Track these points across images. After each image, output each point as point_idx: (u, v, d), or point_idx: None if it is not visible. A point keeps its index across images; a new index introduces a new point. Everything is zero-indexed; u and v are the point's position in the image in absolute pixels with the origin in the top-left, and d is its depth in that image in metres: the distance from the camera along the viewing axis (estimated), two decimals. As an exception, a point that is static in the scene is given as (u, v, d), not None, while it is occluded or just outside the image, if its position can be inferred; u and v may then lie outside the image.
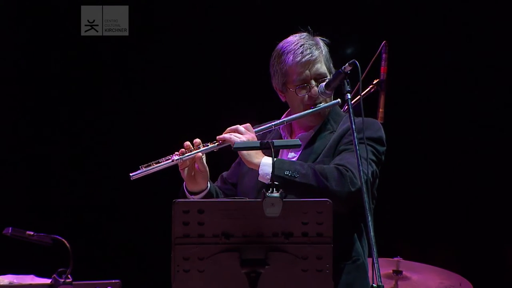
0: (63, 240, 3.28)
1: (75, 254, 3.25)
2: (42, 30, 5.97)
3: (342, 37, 3.99)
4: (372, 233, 3.19)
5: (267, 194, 2.92)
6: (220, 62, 6.07)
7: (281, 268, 3.01)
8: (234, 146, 3.34)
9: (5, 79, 6.04)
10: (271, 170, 3.48)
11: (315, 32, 3.88)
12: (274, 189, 2.93)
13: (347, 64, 3.57)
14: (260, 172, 3.60)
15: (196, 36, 6.10)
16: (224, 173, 4.03)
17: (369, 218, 3.22)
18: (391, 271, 4.97)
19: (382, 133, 3.77)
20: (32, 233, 3.40)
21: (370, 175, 3.62)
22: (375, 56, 4.61)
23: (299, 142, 3.25)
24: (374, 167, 3.68)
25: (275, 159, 3.56)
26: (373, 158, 3.69)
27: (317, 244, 2.99)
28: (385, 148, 3.76)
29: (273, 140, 3.15)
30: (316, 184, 3.52)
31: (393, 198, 5.46)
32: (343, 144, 3.70)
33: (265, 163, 3.60)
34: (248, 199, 3.13)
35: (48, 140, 6.19)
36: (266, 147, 3.16)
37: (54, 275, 3.23)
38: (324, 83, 3.75)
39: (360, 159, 3.39)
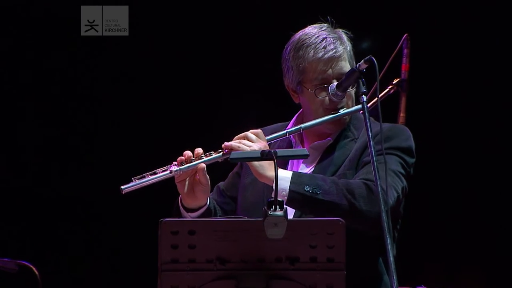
0: (31, 266, 3.28)
1: (45, 282, 3.25)
2: (42, 30, 6.28)
3: (356, 29, 3.97)
4: (391, 258, 3.17)
5: (269, 212, 2.90)
6: (223, 61, 6.25)
7: (285, 299, 3.00)
8: (231, 157, 3.31)
9: (3, 79, 6.31)
10: (288, 185, 3.49)
11: (335, 23, 3.87)
12: (278, 206, 2.91)
13: (362, 61, 3.56)
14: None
15: (197, 35, 6.31)
16: (221, 184, 4.00)
17: (389, 240, 3.19)
18: (414, 302, 4.96)
19: (411, 142, 3.76)
20: (-5, 258, 3.40)
21: (400, 191, 3.61)
22: (395, 52, 4.62)
23: (307, 152, 3.22)
24: (404, 182, 3.67)
25: (291, 172, 3.56)
26: (402, 171, 3.67)
27: (327, 271, 2.97)
28: (414, 159, 3.74)
29: (276, 150, 3.13)
30: (341, 202, 3.50)
31: (414, 217, 5.44)
32: (368, 154, 3.64)
33: (282, 176, 3.55)
34: (247, 219, 3.11)
35: (35, 145, 6.38)
36: (267, 158, 3.14)
37: (21, 306, 3.24)
38: (335, 83, 3.73)
39: (387, 172, 3.36)
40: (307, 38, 3.80)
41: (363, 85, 3.55)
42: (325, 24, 3.86)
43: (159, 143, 6.09)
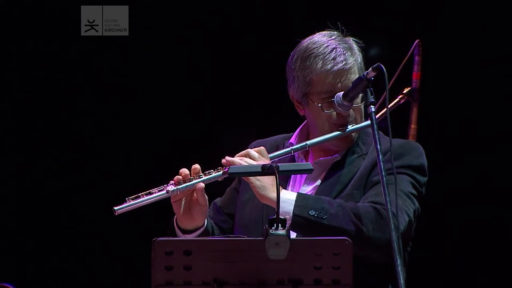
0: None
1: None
2: (42, 30, 6.43)
3: (365, 34, 3.96)
4: (402, 281, 3.15)
5: (270, 231, 2.88)
6: (224, 62, 6.31)
7: (287, 324, 2.99)
8: (229, 171, 3.29)
9: (2, 80, 6.42)
10: (292, 208, 3.47)
11: (343, 29, 3.85)
12: (280, 224, 2.89)
13: (370, 68, 3.54)
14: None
15: (197, 36, 6.40)
16: (218, 200, 3.98)
17: (399, 262, 3.17)
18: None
19: (424, 160, 3.74)
20: (-25, 280, 3.39)
21: (412, 214, 3.59)
22: (405, 59, 4.61)
23: (311, 167, 3.19)
24: (416, 204, 3.65)
25: (296, 194, 3.54)
26: (414, 191, 3.65)
27: (333, 294, 2.96)
28: (427, 178, 3.72)
29: (279, 164, 3.10)
30: (348, 228, 3.48)
31: (427, 237, 5.43)
32: (377, 173, 3.60)
33: (285, 198, 3.54)
34: (246, 238, 3.09)
35: (23, 152, 6.44)
36: (269, 172, 3.11)
37: (3, 333, 3.22)
38: (342, 92, 3.71)
39: (398, 194, 3.35)
40: (315, 48, 3.78)
41: (371, 95, 3.52)
42: (335, 32, 3.84)
43: (158, 146, 6.20)
